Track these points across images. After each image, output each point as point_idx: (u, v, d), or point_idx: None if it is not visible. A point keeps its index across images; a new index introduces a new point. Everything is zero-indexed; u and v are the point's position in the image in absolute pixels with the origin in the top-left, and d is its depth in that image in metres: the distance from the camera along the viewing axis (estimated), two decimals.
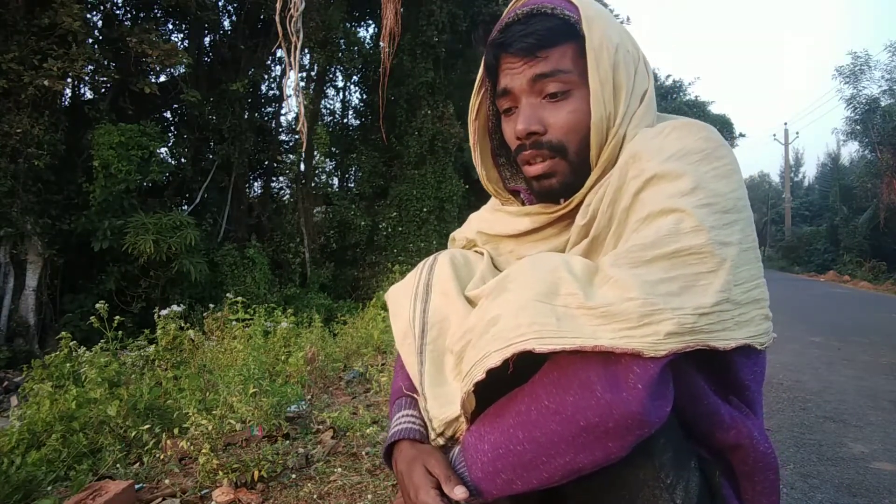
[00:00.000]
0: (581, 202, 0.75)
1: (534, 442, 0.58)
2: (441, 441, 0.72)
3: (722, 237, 0.60)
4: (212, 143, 9.64)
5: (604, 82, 0.71)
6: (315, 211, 11.31)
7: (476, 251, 0.91)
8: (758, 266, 0.62)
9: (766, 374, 0.75)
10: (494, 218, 0.90)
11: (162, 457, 2.08)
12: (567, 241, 0.77)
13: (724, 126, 21.89)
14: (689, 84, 27.84)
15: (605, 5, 15.00)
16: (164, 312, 3.39)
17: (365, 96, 12.97)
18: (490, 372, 0.59)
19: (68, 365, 2.89)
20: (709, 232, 0.59)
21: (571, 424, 0.56)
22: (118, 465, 2.01)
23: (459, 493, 0.62)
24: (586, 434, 0.55)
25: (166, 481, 1.87)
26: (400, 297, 0.85)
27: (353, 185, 12.75)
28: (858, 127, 17.14)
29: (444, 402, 0.72)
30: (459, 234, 0.98)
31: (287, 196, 11.73)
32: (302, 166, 11.15)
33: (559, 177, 0.76)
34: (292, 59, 4.16)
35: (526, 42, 0.72)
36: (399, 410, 0.78)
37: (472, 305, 0.76)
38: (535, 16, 0.73)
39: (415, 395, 0.78)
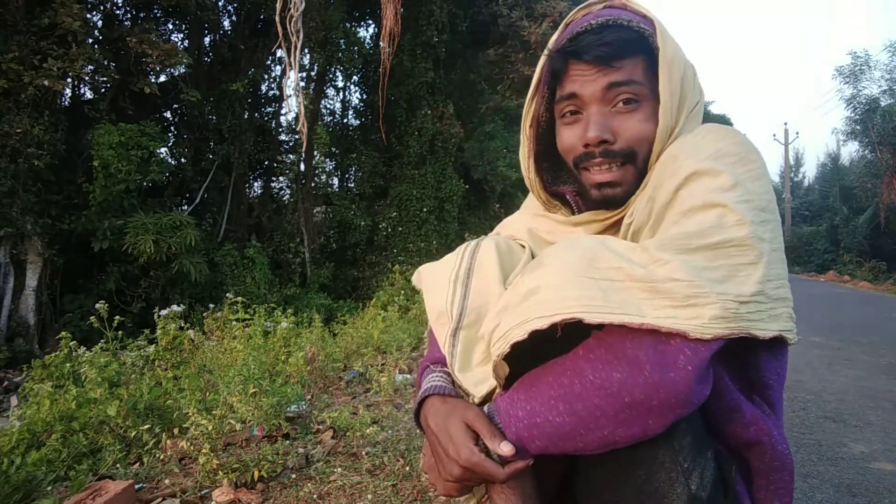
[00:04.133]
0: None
1: (574, 414, 0.60)
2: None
3: (760, 233, 0.62)
4: (212, 143, 9.63)
5: (673, 94, 0.74)
6: (315, 211, 11.32)
7: (520, 243, 0.90)
8: (784, 268, 0.64)
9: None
10: (540, 224, 0.90)
11: (162, 457, 2.08)
12: None
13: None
14: None
15: None
16: (164, 312, 3.40)
17: (365, 96, 12.97)
18: (515, 345, 0.60)
19: (68, 365, 2.89)
20: (750, 226, 0.61)
21: (616, 400, 0.57)
22: (118, 465, 2.01)
23: (506, 448, 0.62)
24: (629, 410, 0.57)
25: (166, 481, 1.87)
26: (437, 275, 0.84)
27: (353, 185, 12.75)
28: (858, 127, 17.11)
29: (475, 383, 0.73)
30: (503, 234, 0.97)
31: (287, 196, 11.74)
32: (302, 166, 11.16)
33: (625, 185, 0.77)
34: (292, 59, 4.16)
35: (602, 51, 0.74)
36: (430, 373, 0.79)
37: None
38: (609, 27, 0.75)
39: (446, 368, 0.78)
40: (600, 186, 0.77)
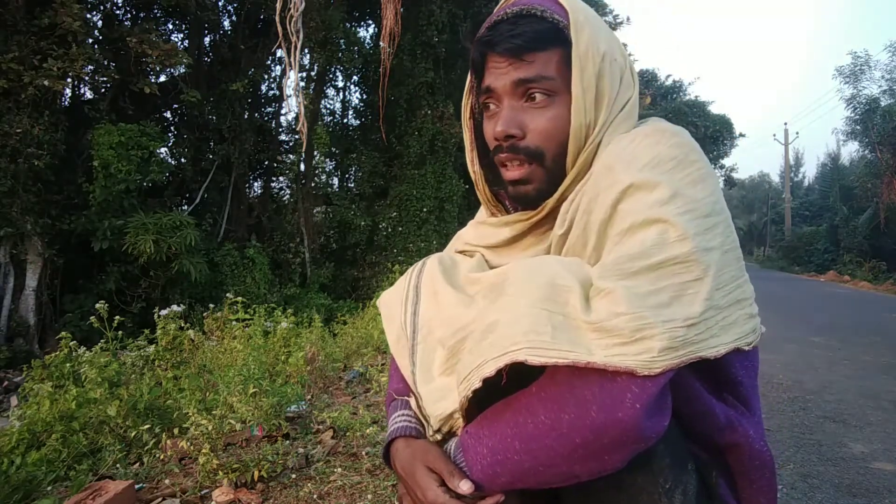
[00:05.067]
0: (557, 208, 0.74)
1: (530, 453, 0.59)
2: (438, 437, 0.72)
3: (705, 243, 0.60)
4: (212, 143, 9.62)
5: (586, 90, 0.71)
6: (315, 211, 11.31)
7: (466, 254, 0.91)
8: (739, 266, 0.63)
9: (764, 373, 0.75)
10: (477, 232, 0.90)
11: (162, 457, 2.08)
12: (548, 248, 0.77)
13: (724, 126, 21.82)
14: (689, 84, 27.62)
15: (605, 6, 15.00)
16: (164, 312, 3.39)
17: (365, 96, 12.96)
18: (486, 379, 0.59)
19: (68, 365, 2.89)
20: (693, 239, 0.59)
21: (567, 441, 0.56)
22: (118, 465, 2.02)
23: (465, 487, 0.63)
24: (582, 450, 0.56)
25: (166, 481, 1.87)
26: (392, 302, 0.86)
27: (353, 185, 12.75)
28: (858, 127, 17.13)
29: (436, 399, 0.72)
30: (454, 247, 0.98)
31: (287, 196, 11.73)
32: (302, 166, 11.15)
33: (535, 183, 0.76)
34: (292, 59, 4.16)
35: (512, 43, 0.71)
36: (394, 412, 0.80)
37: (463, 294, 0.76)
38: (524, 17, 0.72)
39: (407, 398, 0.79)
40: (513, 184, 0.77)
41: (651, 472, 0.61)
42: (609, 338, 0.55)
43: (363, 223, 10.84)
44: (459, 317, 0.71)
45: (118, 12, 8.77)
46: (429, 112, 10.92)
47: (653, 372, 0.53)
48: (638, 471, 0.60)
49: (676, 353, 0.54)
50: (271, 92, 10.84)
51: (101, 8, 8.32)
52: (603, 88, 0.72)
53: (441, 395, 0.72)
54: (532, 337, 0.55)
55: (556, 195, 0.74)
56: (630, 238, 0.61)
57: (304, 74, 10.69)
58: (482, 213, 0.92)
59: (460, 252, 0.93)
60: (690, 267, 0.58)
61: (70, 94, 8.30)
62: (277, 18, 4.04)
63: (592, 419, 0.54)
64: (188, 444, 1.93)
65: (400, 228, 10.81)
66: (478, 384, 0.59)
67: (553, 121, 0.73)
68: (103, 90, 8.18)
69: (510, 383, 0.62)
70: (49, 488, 1.88)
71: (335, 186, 13.13)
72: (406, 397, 0.79)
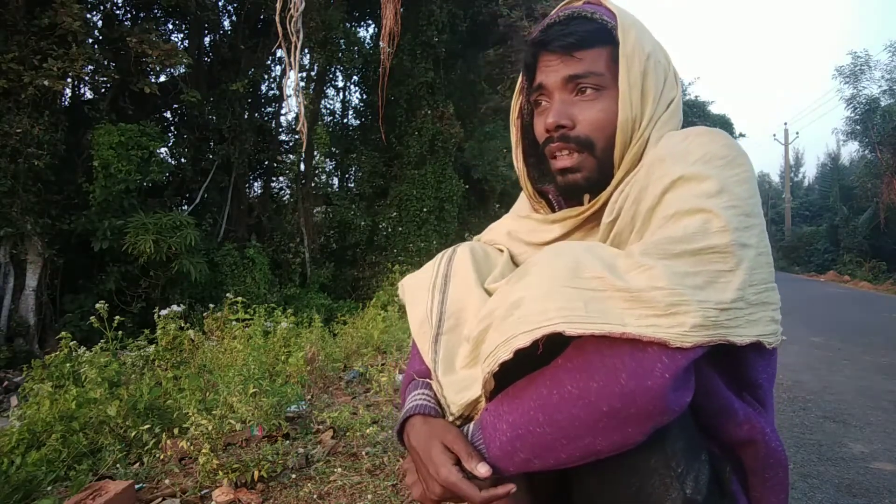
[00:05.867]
0: (606, 202, 0.77)
1: (554, 425, 0.59)
2: (458, 423, 0.73)
3: (743, 239, 0.62)
4: (212, 143, 9.61)
5: (632, 86, 0.75)
6: (315, 211, 11.31)
7: (497, 248, 0.92)
8: (770, 271, 0.64)
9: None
10: (521, 226, 0.91)
11: (162, 457, 2.08)
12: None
13: (724, 126, 21.81)
14: (690, 84, 27.55)
15: None
16: (164, 312, 3.40)
17: (365, 96, 12.96)
18: (504, 362, 0.60)
19: (68, 365, 2.89)
20: (732, 233, 0.61)
21: (594, 409, 0.57)
22: (118, 465, 2.02)
23: (483, 470, 0.63)
24: (608, 419, 0.56)
25: (166, 481, 1.87)
26: (417, 286, 0.87)
27: (353, 185, 12.76)
28: (858, 127, 17.13)
29: (459, 389, 0.73)
30: (484, 237, 0.99)
31: (287, 196, 11.73)
32: (302, 166, 11.15)
33: (584, 172, 0.79)
34: (292, 59, 4.16)
35: (565, 41, 0.76)
36: (414, 389, 0.80)
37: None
38: (574, 19, 0.78)
39: (429, 380, 0.79)
40: (563, 172, 0.80)
41: (664, 454, 0.61)
42: (643, 308, 0.56)
43: (363, 223, 10.84)
44: (484, 308, 0.71)
45: (118, 12, 8.76)
46: (429, 112, 10.91)
47: (685, 345, 0.55)
48: (651, 453, 0.61)
49: (707, 331, 0.56)
50: (271, 92, 10.84)
51: (101, 8, 8.32)
52: (648, 86, 0.76)
53: (464, 385, 0.73)
54: (566, 312, 0.57)
55: (608, 190, 0.77)
56: (675, 223, 0.64)
57: (304, 74, 10.71)
58: (524, 206, 0.94)
59: (489, 242, 0.95)
60: (727, 258, 0.60)
61: (70, 94, 8.30)
62: (277, 18, 4.05)
63: (622, 386, 0.55)
64: (188, 444, 1.93)
65: (400, 228, 10.81)
66: (508, 356, 0.60)
67: (602, 112, 0.77)
68: (103, 90, 8.18)
69: (525, 366, 0.62)
70: (49, 488, 1.88)
71: (335, 186, 13.14)
72: (427, 379, 0.80)
